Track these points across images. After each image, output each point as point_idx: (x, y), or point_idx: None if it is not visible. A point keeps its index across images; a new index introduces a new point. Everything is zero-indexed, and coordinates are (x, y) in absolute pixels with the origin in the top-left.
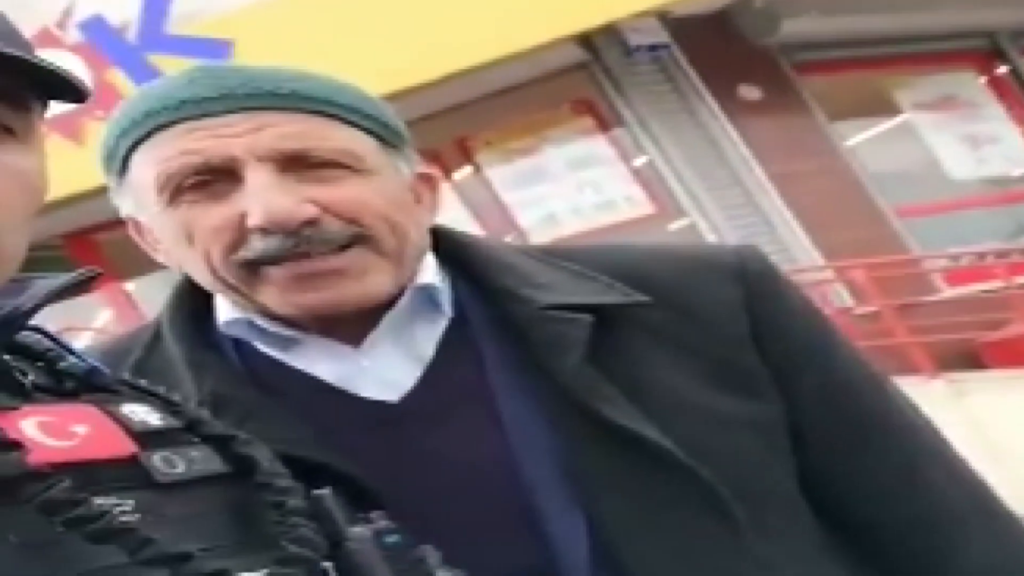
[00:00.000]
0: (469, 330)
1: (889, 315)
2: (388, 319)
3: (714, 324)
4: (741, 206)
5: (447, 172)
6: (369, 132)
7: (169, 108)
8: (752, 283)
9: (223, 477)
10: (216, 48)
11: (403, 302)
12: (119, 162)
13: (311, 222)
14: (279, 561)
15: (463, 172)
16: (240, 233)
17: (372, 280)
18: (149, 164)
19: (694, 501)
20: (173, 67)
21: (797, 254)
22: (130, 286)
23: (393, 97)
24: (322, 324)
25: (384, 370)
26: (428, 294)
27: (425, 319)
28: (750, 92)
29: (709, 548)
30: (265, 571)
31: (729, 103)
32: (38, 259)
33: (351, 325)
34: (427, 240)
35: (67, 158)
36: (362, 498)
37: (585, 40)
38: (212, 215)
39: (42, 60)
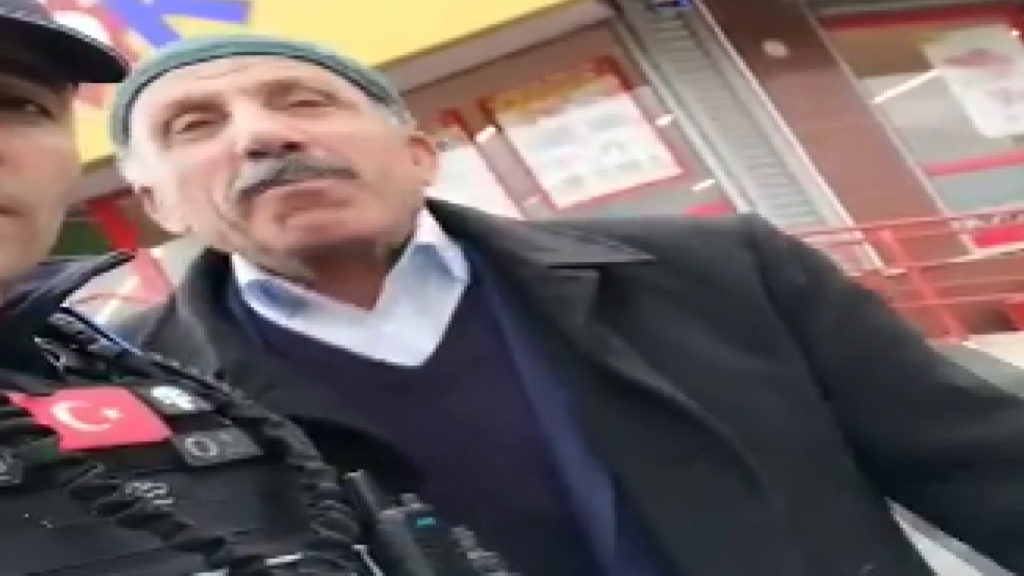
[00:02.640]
0: (483, 295)
1: (917, 277)
2: (393, 278)
3: (724, 285)
4: (767, 165)
5: (469, 133)
6: (356, 84)
7: (157, 62)
8: (762, 246)
9: (255, 460)
10: (232, 9)
11: (404, 261)
12: (120, 127)
13: (296, 146)
14: (312, 545)
15: (485, 133)
16: (233, 165)
17: (358, 210)
18: (142, 115)
19: (710, 455)
20: (191, 28)
21: (825, 214)
22: (157, 252)
23: (414, 57)
24: (323, 269)
25: (403, 335)
26: (436, 258)
27: (438, 283)
28: (776, 48)
29: (727, 502)
30: (298, 555)
31: (755, 60)
32: (63, 225)
33: (359, 285)
34: (419, 197)
35: (88, 123)
36: (387, 462)
37: None
38: (204, 150)
39: (87, 36)
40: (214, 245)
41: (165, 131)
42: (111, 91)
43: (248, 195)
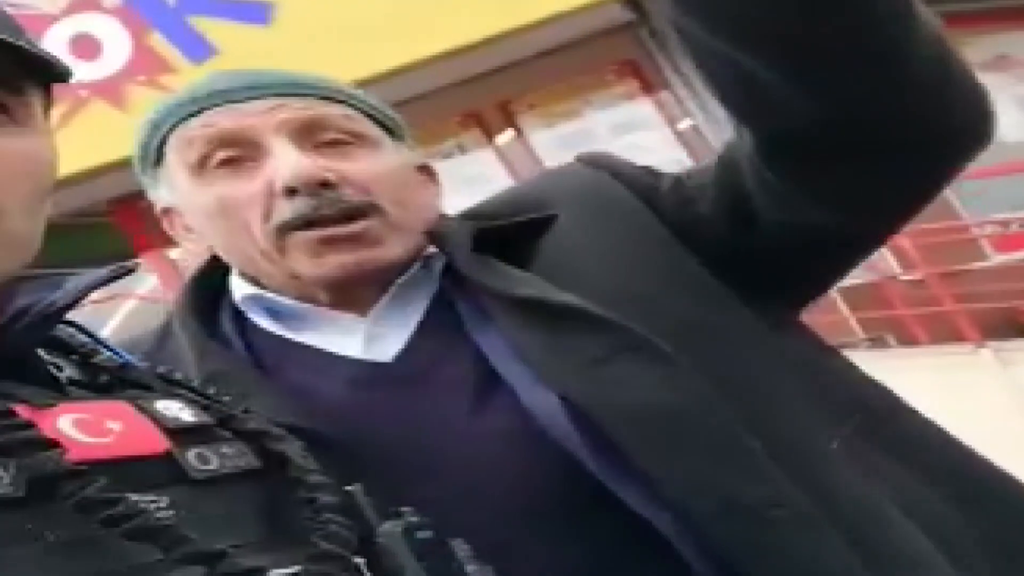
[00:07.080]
0: (449, 286)
1: (935, 282)
2: (396, 288)
3: (609, 209)
4: None
5: (489, 136)
6: (375, 121)
7: (198, 99)
8: (601, 162)
9: (256, 473)
10: (257, 10)
11: (411, 272)
12: (154, 152)
13: (329, 184)
14: (311, 558)
15: (505, 136)
16: (270, 200)
17: (388, 247)
18: (177, 146)
19: (627, 350)
20: (215, 30)
21: None
22: (174, 253)
23: (435, 60)
24: (338, 295)
25: (386, 335)
26: (429, 263)
27: (421, 283)
28: None
29: (655, 391)
30: (298, 567)
31: None
32: (83, 226)
33: (362, 297)
34: (432, 221)
35: (110, 124)
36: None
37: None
38: (243, 188)
39: (28, 43)
40: (240, 267)
41: (202, 164)
42: (134, 94)
43: (283, 231)
